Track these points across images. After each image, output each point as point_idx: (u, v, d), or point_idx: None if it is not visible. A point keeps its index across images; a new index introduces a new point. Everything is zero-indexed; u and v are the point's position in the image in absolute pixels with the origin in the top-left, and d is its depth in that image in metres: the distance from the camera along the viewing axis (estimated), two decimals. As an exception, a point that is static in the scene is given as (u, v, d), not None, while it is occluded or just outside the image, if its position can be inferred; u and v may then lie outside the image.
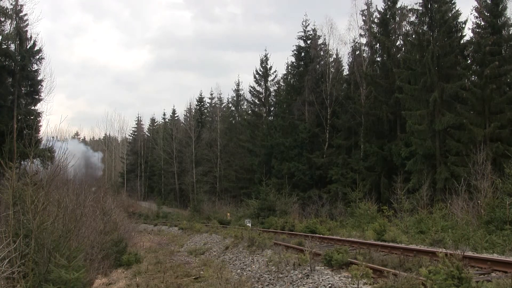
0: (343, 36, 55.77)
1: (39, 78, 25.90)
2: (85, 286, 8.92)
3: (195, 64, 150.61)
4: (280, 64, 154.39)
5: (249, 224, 22.38)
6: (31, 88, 26.18)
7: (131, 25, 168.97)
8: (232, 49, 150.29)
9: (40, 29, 70.15)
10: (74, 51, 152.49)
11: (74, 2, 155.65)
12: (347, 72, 39.10)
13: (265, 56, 46.99)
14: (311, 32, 40.92)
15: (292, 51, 41.29)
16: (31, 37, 25.82)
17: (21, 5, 25.38)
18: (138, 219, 37.85)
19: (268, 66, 46.81)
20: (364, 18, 35.35)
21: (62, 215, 9.03)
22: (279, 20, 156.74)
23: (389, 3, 32.94)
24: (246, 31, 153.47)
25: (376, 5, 35.48)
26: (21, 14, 25.41)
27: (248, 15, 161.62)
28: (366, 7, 35.17)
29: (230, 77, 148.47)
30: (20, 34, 24.94)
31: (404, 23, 32.37)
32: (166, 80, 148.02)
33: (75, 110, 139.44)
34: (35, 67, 26.08)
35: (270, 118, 46.61)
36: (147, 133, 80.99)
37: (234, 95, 56.16)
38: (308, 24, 40.88)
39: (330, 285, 8.14)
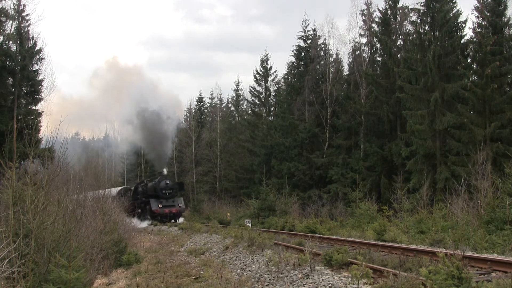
0: (343, 36, 55.66)
1: (39, 78, 25.89)
2: (85, 286, 8.92)
3: (187, 65, 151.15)
4: (275, 65, 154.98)
5: (249, 224, 22.33)
6: (32, 88, 26.15)
7: (125, 25, 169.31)
8: (223, 50, 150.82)
9: (41, 29, 70.07)
10: (68, 51, 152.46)
11: (67, 1, 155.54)
12: (347, 72, 39.09)
13: (265, 56, 46.93)
14: (311, 32, 40.96)
15: (292, 51, 41.36)
16: (32, 37, 25.79)
17: (24, 5, 25.39)
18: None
19: (269, 66, 46.79)
20: (364, 18, 35.37)
21: (62, 215, 9.03)
22: (269, 22, 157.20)
23: (390, 2, 32.93)
24: (237, 32, 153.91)
25: (377, 5, 35.47)
26: (23, 14, 25.38)
27: (238, 17, 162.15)
28: (366, 7, 35.22)
29: (223, 78, 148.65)
30: (21, 34, 24.91)
31: (405, 22, 32.39)
32: (160, 81, 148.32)
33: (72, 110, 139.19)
34: (35, 67, 26.02)
35: (270, 118, 46.58)
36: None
37: (234, 95, 56.26)
38: (308, 24, 40.86)
39: (330, 285, 8.13)
